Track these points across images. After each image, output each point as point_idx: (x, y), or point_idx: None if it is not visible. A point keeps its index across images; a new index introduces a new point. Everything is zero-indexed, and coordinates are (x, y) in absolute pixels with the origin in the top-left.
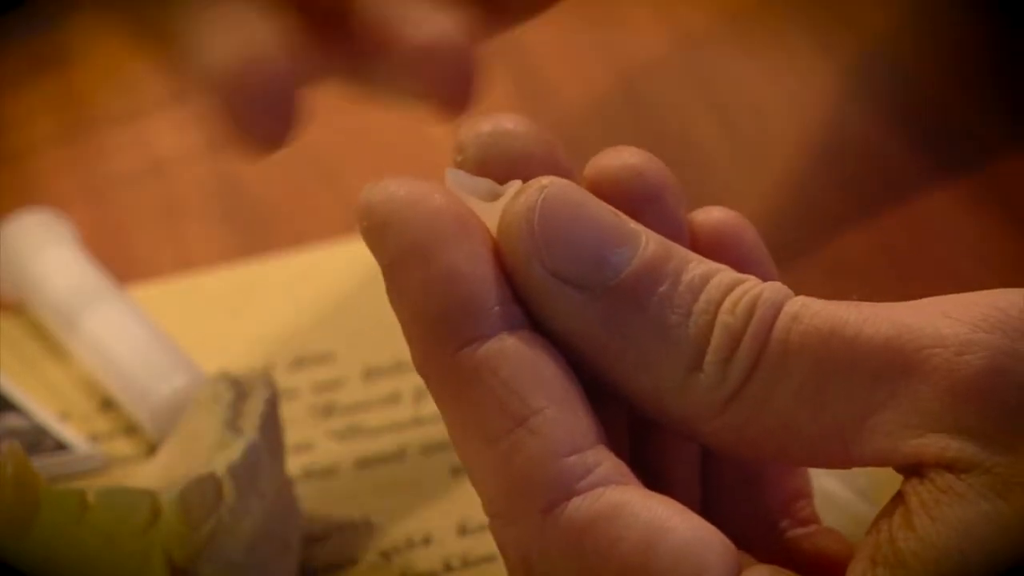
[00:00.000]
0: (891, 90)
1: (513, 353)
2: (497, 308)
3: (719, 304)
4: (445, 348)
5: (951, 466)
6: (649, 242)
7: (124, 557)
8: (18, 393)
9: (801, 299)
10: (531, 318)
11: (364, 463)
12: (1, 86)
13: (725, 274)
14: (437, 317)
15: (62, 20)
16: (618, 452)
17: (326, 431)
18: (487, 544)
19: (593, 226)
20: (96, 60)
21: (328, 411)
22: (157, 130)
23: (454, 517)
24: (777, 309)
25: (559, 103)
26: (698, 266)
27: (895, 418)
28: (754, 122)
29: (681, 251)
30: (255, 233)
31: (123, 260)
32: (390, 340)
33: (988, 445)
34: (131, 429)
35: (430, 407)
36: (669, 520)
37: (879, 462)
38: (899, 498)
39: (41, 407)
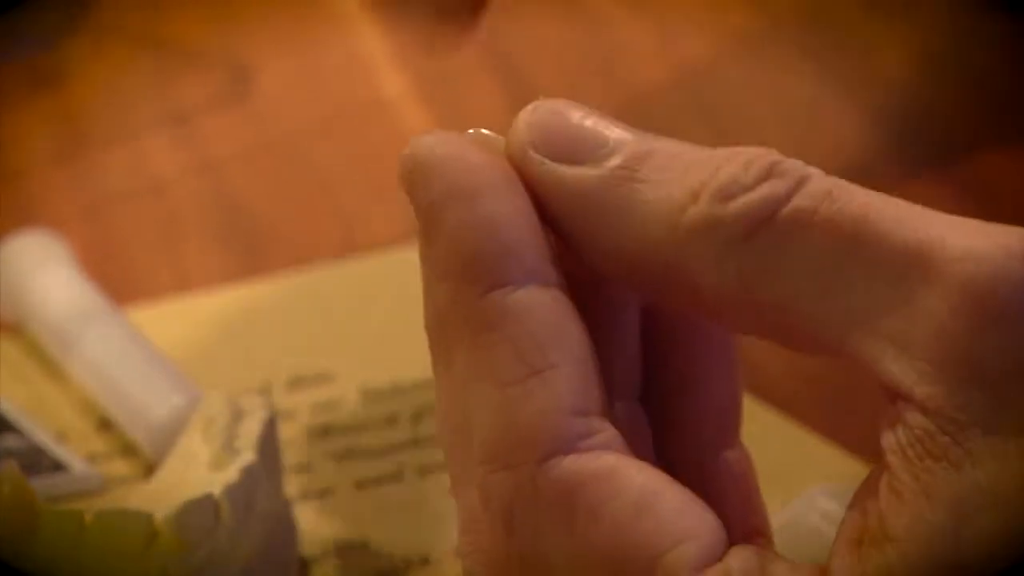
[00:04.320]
0: (899, 116)
1: (542, 306)
2: (535, 260)
3: (726, 160)
4: (476, 287)
5: (945, 417)
6: (652, 138)
7: None
8: (16, 413)
9: (837, 179)
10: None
11: (362, 484)
12: None
13: (731, 148)
14: (474, 255)
15: (60, 40)
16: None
17: (324, 452)
18: None
19: (591, 119)
20: (93, 79)
21: (326, 432)
22: (155, 149)
23: (452, 538)
24: (802, 178)
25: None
26: (704, 148)
27: (903, 327)
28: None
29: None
30: (253, 253)
31: (121, 280)
32: (388, 361)
33: (993, 393)
34: (129, 450)
35: (428, 428)
36: (663, 488)
37: (869, 367)
38: (884, 466)
39: (39, 427)
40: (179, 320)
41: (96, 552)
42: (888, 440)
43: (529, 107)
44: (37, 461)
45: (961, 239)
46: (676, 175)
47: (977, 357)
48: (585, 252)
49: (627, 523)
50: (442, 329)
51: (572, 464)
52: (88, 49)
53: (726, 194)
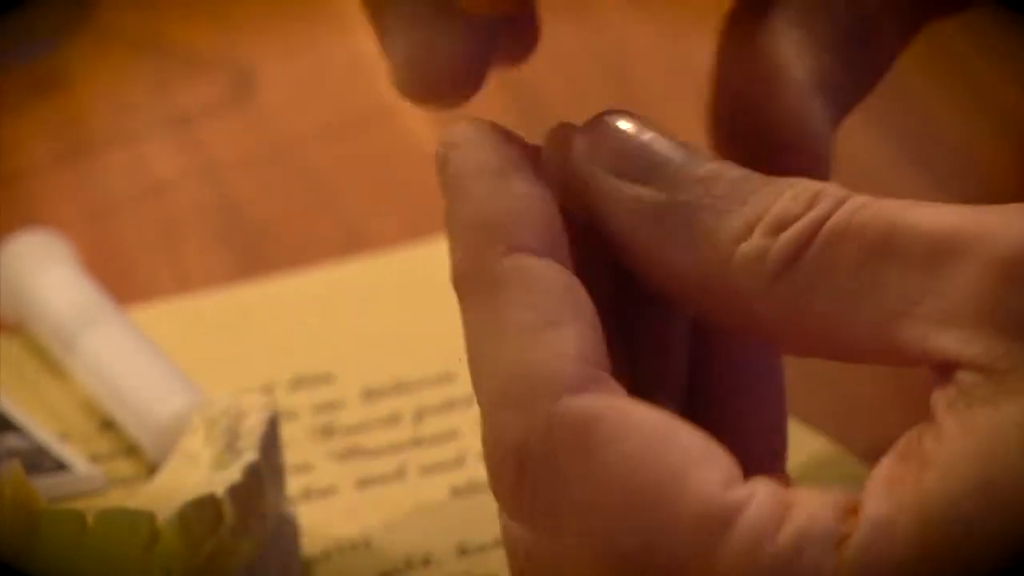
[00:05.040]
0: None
1: (557, 275)
2: (557, 236)
3: (778, 195)
4: (499, 247)
5: (989, 368)
6: (713, 159)
7: None
8: (18, 413)
9: (874, 197)
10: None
11: (364, 483)
12: (0, 109)
13: (785, 179)
14: (502, 218)
15: (60, 43)
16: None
17: (326, 452)
18: (487, 565)
19: (658, 137)
20: (95, 82)
21: (328, 432)
22: (156, 152)
23: (454, 537)
24: (842, 199)
25: (544, 100)
26: (761, 176)
27: (941, 305)
28: None
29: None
30: (254, 254)
31: (122, 281)
32: (390, 361)
33: None
34: (131, 450)
35: (430, 428)
36: (679, 424)
37: (920, 355)
38: (930, 409)
39: (41, 427)
40: (181, 321)
41: (98, 552)
42: (936, 398)
43: (594, 118)
44: (39, 461)
45: (988, 217)
46: (736, 204)
47: (1007, 312)
48: (640, 267)
49: (648, 447)
50: (462, 287)
51: (588, 400)
52: (89, 52)
53: (779, 226)
